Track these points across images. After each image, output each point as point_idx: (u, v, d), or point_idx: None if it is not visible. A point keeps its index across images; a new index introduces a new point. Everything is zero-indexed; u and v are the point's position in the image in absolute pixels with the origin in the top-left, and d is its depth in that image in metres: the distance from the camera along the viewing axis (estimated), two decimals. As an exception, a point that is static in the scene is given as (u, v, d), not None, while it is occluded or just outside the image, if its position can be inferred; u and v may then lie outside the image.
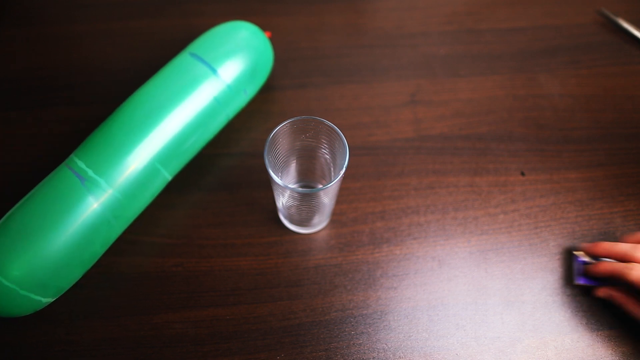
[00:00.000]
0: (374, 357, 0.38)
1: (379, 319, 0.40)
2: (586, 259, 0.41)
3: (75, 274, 0.37)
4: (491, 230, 0.43)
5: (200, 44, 0.43)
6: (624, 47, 0.54)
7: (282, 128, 0.34)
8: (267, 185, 0.45)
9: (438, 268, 0.42)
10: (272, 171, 0.32)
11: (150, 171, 0.39)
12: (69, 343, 0.38)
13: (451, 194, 0.45)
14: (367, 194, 0.45)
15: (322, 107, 0.49)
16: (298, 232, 0.43)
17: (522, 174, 0.46)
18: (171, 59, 0.44)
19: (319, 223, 0.42)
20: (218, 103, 0.42)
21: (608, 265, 0.38)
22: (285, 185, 0.32)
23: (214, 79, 0.41)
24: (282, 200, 0.37)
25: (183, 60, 0.42)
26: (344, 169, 0.32)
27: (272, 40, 0.52)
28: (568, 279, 0.42)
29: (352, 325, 0.40)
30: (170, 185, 0.44)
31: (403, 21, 0.55)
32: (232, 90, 0.43)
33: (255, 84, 0.45)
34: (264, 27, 0.53)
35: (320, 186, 0.39)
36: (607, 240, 0.43)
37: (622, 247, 0.38)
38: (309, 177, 0.43)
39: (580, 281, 0.41)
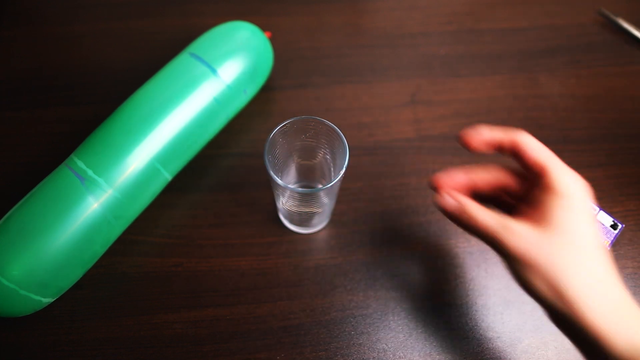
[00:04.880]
0: (374, 357, 0.38)
1: (379, 319, 0.40)
2: None
3: (75, 274, 0.37)
4: (491, 230, 0.43)
5: (200, 44, 0.43)
6: (624, 47, 0.54)
7: (282, 128, 0.34)
8: (267, 185, 0.45)
9: (438, 268, 0.42)
10: (272, 171, 0.32)
11: (150, 171, 0.39)
12: (69, 343, 0.38)
13: (451, 194, 0.45)
14: (367, 194, 0.45)
15: (322, 107, 0.49)
16: (298, 232, 0.43)
17: (522, 174, 0.46)
18: (171, 59, 0.44)
19: (319, 223, 0.42)
20: (218, 103, 0.42)
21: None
22: (285, 185, 0.32)
23: (214, 79, 0.41)
24: (282, 200, 0.37)
25: (183, 61, 0.42)
26: (344, 169, 0.32)
27: (272, 40, 0.52)
28: None
29: (352, 325, 0.40)
30: (170, 185, 0.44)
31: (403, 21, 0.55)
32: (232, 90, 0.43)
33: (256, 84, 0.45)
34: (264, 27, 0.53)
35: (320, 186, 0.39)
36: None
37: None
38: (309, 177, 0.43)
39: None
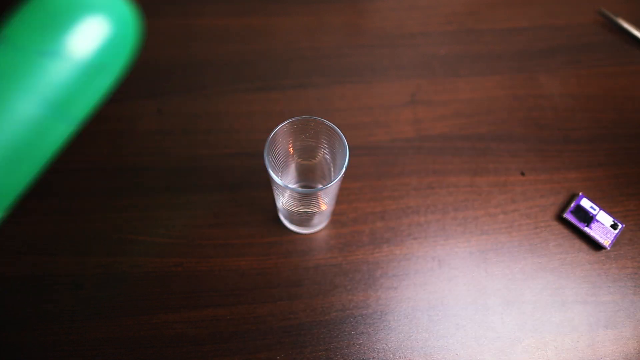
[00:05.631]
0: (374, 357, 0.38)
1: (379, 319, 0.40)
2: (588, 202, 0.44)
3: None
4: (491, 230, 0.43)
5: (16, 25, 0.25)
6: (624, 47, 0.54)
7: (282, 128, 0.34)
8: (267, 185, 0.45)
9: (438, 268, 0.42)
10: (272, 171, 0.32)
11: None
12: (69, 343, 0.38)
13: (451, 194, 0.45)
14: (367, 194, 0.45)
15: (322, 107, 0.49)
16: (298, 232, 0.43)
17: (522, 174, 0.46)
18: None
19: (319, 223, 0.43)
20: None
21: None
22: (285, 185, 0.32)
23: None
24: (282, 200, 0.37)
25: None
26: (344, 169, 0.32)
27: (272, 40, 0.52)
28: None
29: (352, 325, 0.40)
30: (170, 185, 0.44)
31: (403, 21, 0.55)
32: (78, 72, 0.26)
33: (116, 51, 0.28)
34: (264, 27, 0.53)
35: (320, 186, 0.39)
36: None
37: None
38: (309, 177, 0.43)
39: (568, 216, 0.44)
